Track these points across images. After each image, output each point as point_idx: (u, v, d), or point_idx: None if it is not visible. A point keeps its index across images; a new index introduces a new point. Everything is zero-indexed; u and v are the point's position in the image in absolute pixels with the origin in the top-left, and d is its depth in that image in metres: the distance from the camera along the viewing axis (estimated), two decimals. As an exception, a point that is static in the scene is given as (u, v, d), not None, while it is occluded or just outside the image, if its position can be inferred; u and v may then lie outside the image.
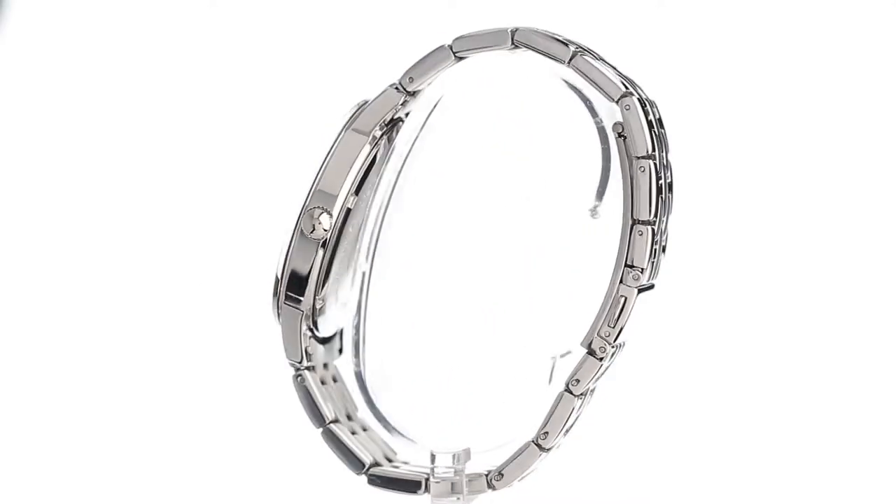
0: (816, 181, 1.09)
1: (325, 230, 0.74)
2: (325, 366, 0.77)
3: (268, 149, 1.07)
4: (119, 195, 1.12)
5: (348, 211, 0.74)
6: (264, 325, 0.77)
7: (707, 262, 1.07)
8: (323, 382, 0.77)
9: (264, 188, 1.03)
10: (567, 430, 0.71)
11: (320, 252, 0.74)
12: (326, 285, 0.76)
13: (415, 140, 0.74)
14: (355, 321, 0.76)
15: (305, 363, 0.76)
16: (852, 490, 0.91)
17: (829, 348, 1.04)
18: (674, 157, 1.09)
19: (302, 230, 0.74)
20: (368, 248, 0.75)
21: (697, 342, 1.04)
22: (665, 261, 0.70)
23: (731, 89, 1.11)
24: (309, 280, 0.74)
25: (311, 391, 0.76)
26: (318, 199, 0.74)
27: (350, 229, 0.75)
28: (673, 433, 0.97)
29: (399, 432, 0.76)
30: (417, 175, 0.75)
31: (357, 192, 0.74)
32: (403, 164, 0.74)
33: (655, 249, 0.68)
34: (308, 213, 0.74)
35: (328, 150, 0.74)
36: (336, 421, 0.76)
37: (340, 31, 1.14)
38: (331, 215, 0.74)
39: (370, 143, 0.74)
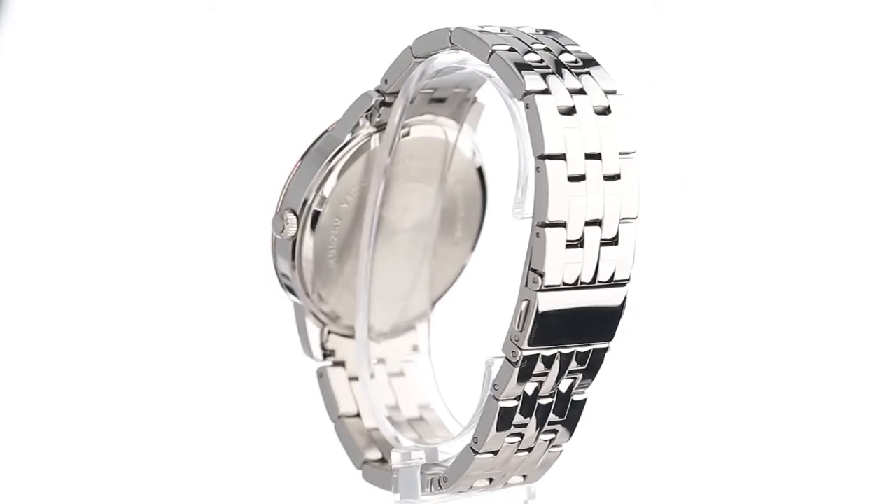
0: (817, 181, 1.09)
1: (294, 230, 0.75)
2: (381, 361, 0.79)
3: (276, 146, 1.07)
4: (120, 195, 1.12)
5: (317, 213, 0.75)
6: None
7: (706, 262, 1.07)
8: (355, 378, 0.78)
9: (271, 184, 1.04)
10: (523, 434, 0.70)
11: (295, 251, 0.75)
12: (321, 283, 0.76)
13: (394, 141, 0.75)
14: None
15: (330, 359, 0.78)
16: (852, 490, 0.91)
17: (829, 349, 1.04)
18: (673, 157, 1.09)
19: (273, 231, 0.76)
20: (368, 245, 0.76)
21: (698, 343, 1.04)
22: (640, 259, 0.69)
23: (731, 90, 1.11)
24: (293, 278, 0.76)
25: (328, 386, 0.78)
26: (289, 200, 0.75)
27: (338, 229, 0.76)
28: (673, 435, 0.97)
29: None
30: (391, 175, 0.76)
31: (329, 192, 0.75)
32: (388, 164, 0.75)
33: (591, 253, 0.67)
34: (278, 215, 0.75)
35: (303, 152, 0.75)
36: (356, 416, 0.77)
37: (343, 33, 1.14)
38: (298, 217, 0.75)
39: (345, 145, 0.75)
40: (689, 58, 1.11)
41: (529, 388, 0.69)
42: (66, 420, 0.98)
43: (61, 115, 1.13)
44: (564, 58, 0.68)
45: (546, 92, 0.66)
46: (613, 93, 0.68)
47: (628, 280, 0.68)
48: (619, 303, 0.68)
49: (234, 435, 0.96)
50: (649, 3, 1.12)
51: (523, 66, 0.67)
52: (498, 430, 0.69)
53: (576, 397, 0.70)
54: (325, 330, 0.78)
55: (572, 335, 0.68)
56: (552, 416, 0.70)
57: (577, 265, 0.66)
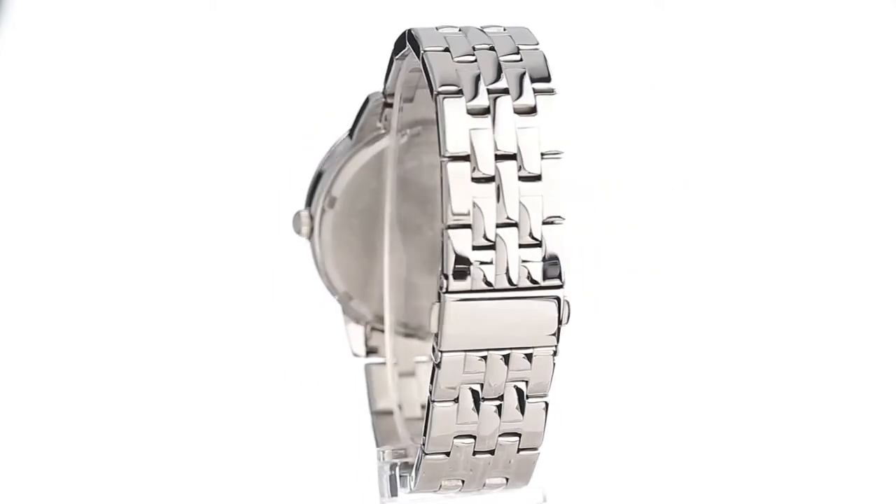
0: (818, 181, 1.09)
1: (308, 230, 0.78)
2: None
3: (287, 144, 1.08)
4: (122, 196, 1.12)
5: (328, 213, 0.78)
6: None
7: (706, 262, 1.07)
8: (402, 375, 0.80)
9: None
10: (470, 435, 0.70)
11: (310, 249, 0.78)
12: (346, 283, 0.79)
13: (398, 141, 0.76)
14: None
15: (375, 356, 0.80)
16: (852, 490, 0.91)
17: (830, 349, 1.04)
18: (673, 157, 1.09)
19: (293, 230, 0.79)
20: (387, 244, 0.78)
21: (698, 343, 1.04)
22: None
23: (731, 90, 1.11)
24: (322, 276, 0.79)
25: (370, 382, 0.80)
26: (308, 201, 0.78)
27: (355, 228, 0.77)
28: (677, 435, 0.97)
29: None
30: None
31: (340, 193, 0.77)
32: (396, 163, 0.77)
33: (507, 254, 0.66)
34: (297, 215, 0.78)
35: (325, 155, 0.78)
36: (390, 413, 0.79)
37: (347, 32, 1.14)
38: (312, 217, 0.78)
39: (355, 146, 0.77)
40: (689, 58, 1.11)
41: (473, 388, 0.68)
42: (102, 416, 1.00)
43: (62, 116, 1.13)
44: (509, 58, 0.67)
45: (459, 93, 0.65)
46: (550, 92, 0.66)
47: (560, 281, 0.67)
48: (550, 304, 0.67)
49: (272, 423, 0.97)
50: (649, 3, 1.12)
51: (446, 68, 0.66)
52: (438, 431, 0.68)
53: (532, 400, 0.69)
54: (369, 327, 0.80)
55: (500, 336, 0.67)
56: (512, 418, 0.69)
57: (489, 267, 0.65)
